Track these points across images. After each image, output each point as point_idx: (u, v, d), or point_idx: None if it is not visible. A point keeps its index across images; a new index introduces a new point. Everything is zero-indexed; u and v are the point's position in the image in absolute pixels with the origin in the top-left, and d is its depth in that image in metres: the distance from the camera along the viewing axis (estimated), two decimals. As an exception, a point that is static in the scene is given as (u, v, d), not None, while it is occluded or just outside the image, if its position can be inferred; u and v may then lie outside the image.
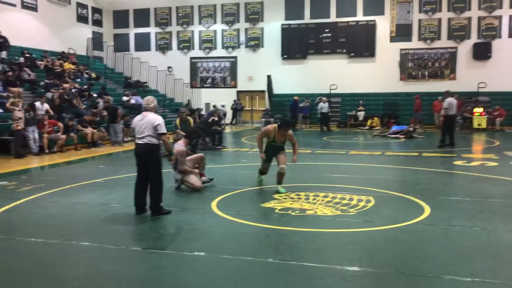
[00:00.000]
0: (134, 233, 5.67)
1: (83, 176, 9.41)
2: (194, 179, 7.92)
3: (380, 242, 5.13)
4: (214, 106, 23.76)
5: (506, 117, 21.39)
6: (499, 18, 22.85)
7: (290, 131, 7.82)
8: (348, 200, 7.07)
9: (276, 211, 6.49)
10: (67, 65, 20.17)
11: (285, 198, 7.19)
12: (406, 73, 24.25)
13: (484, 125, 20.83)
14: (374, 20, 24.28)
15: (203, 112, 22.11)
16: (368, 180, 9.02)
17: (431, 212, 6.30)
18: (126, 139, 16.59)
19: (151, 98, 6.60)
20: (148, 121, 6.27)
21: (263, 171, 8.18)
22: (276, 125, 7.86)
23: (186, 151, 8.07)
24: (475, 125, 20.93)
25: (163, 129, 6.32)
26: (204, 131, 13.95)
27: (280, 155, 7.75)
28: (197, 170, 8.20)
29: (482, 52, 22.97)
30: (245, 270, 4.35)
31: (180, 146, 8.02)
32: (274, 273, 4.25)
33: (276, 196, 7.35)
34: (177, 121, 13.02)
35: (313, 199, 7.14)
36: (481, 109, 21.17)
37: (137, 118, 6.48)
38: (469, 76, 22.84)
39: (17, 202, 7.05)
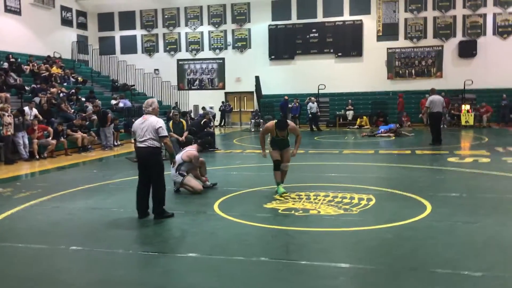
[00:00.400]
0: (140, 237, 5.62)
1: (78, 182, 9.31)
2: (194, 182, 7.88)
3: (387, 240, 5.15)
4: (203, 108, 23.72)
5: (492, 113, 21.75)
6: (484, 16, 23.19)
7: (292, 124, 7.77)
8: (349, 199, 7.10)
9: (280, 211, 6.49)
10: (55, 70, 19.93)
11: (287, 199, 7.19)
12: (393, 72, 24.46)
13: (471, 122, 21.11)
14: (360, 20, 24.44)
15: (192, 115, 22.01)
16: (366, 178, 9.08)
17: (433, 209, 6.36)
18: (116, 143, 16.46)
19: (150, 100, 6.54)
20: (150, 124, 6.22)
21: (277, 162, 7.59)
22: (275, 121, 7.76)
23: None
24: (463, 122, 21.19)
25: (164, 132, 6.28)
26: (196, 134, 13.96)
27: (284, 152, 7.63)
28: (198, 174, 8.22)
29: (467, 50, 23.28)
30: (257, 271, 4.33)
31: (193, 150, 8.05)
32: (286, 274, 4.23)
33: (277, 196, 7.34)
34: (170, 124, 12.94)
35: (314, 199, 7.15)
36: (468, 106, 21.44)
37: (138, 121, 6.43)
38: (455, 74, 23.12)
39: (16, 209, 6.94)
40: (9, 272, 4.44)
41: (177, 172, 7.80)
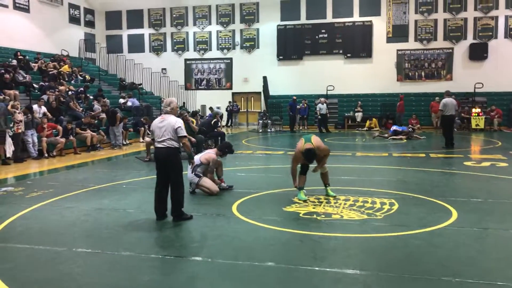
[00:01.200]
0: (160, 240, 5.44)
1: (90, 181, 9.15)
2: (210, 183, 7.72)
3: (418, 247, 4.96)
4: (210, 108, 23.57)
5: (503, 117, 21.52)
6: (495, 18, 22.96)
7: (321, 146, 7.26)
8: (370, 203, 6.92)
9: (301, 215, 6.31)
10: (66, 68, 19.81)
11: (306, 202, 7.01)
12: (403, 74, 24.25)
13: (482, 126, 20.89)
14: (370, 21, 24.25)
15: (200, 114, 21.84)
16: (384, 182, 8.90)
17: (459, 215, 6.17)
18: (125, 142, 16.31)
19: (168, 100, 6.38)
20: (168, 124, 6.06)
21: (305, 165, 7.36)
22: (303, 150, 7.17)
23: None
24: (473, 125, 20.98)
25: (183, 132, 6.11)
26: (207, 133, 13.81)
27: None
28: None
29: (478, 53, 23.05)
30: (289, 278, 4.14)
31: (213, 154, 7.94)
32: (320, 282, 4.06)
33: (295, 199, 7.16)
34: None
35: (335, 203, 6.98)
36: (478, 110, 21.22)
37: (156, 121, 6.26)
38: (465, 77, 22.90)
39: (30, 209, 6.78)
40: (29, 275, 4.27)
41: (193, 173, 7.64)
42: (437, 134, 18.81)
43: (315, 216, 6.27)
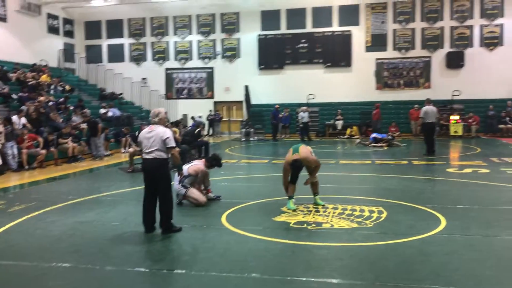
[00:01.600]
0: (150, 253, 5.34)
1: (74, 193, 8.97)
2: (197, 194, 7.64)
3: (410, 255, 4.99)
4: (192, 118, 23.46)
5: (480, 124, 21.94)
6: (471, 28, 23.46)
7: (308, 157, 7.23)
8: (359, 211, 6.94)
9: (291, 225, 6.29)
10: (44, 78, 19.50)
11: (295, 211, 7.00)
12: (382, 82, 24.55)
13: (460, 132, 21.24)
14: (349, 30, 24.52)
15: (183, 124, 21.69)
16: (370, 190, 8.97)
17: (448, 222, 6.23)
18: (106, 153, 16.09)
19: (156, 110, 6.30)
20: (157, 134, 5.98)
21: (290, 190, 7.33)
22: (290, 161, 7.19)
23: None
24: (452, 132, 21.32)
25: (172, 143, 6.05)
26: (191, 143, 13.72)
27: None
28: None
29: (455, 61, 23.49)
30: (284, 290, 4.12)
31: (201, 165, 7.83)
32: (316, 293, 4.04)
33: (284, 209, 7.14)
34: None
35: (324, 212, 6.99)
36: (457, 117, 21.60)
37: (144, 131, 6.18)
38: (443, 85, 23.29)
39: (13, 223, 6.61)
40: (17, 294, 4.15)
41: (181, 184, 7.56)
42: (417, 141, 19.08)
43: (305, 225, 6.25)
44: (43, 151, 13.18)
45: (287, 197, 7.31)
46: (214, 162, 8.16)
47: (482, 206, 7.23)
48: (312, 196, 7.48)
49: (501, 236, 5.58)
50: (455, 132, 21.32)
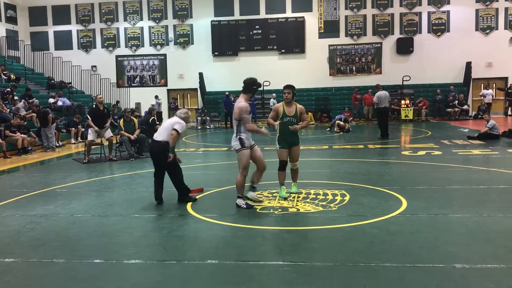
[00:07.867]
0: (119, 245, 5.19)
1: (28, 186, 8.63)
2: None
3: (377, 235, 5.11)
4: (152, 104, 22.99)
5: (429, 108, 22.76)
6: (419, 14, 24.19)
7: (301, 107, 7.17)
8: (323, 195, 7.06)
9: (258, 211, 6.31)
10: (-13, 66, 18.50)
11: (260, 197, 7.01)
12: (335, 69, 24.95)
13: (411, 116, 21.96)
14: (303, 17, 24.70)
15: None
16: (331, 174, 9.13)
17: (409, 203, 6.43)
18: (58, 144, 15.53)
19: (183, 111, 7.10)
20: (169, 123, 6.90)
21: (283, 162, 7.16)
22: (282, 102, 7.08)
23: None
24: (403, 116, 22.00)
25: (176, 126, 6.69)
26: (148, 132, 13.44)
27: (293, 150, 7.22)
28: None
29: (405, 47, 24.20)
30: (262, 275, 4.10)
31: (242, 102, 6.46)
32: (293, 277, 4.06)
33: (248, 195, 7.12)
34: (121, 122, 12.40)
35: (288, 196, 7.04)
36: (407, 101, 22.29)
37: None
38: (393, 70, 23.96)
39: (-33, 220, 6.27)
40: (-20, 292, 3.95)
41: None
42: (369, 126, 19.56)
43: (272, 210, 6.29)
44: (-9, 143, 12.57)
45: (249, 184, 7.21)
46: (254, 87, 6.58)
47: (439, 186, 7.52)
48: (279, 184, 7.32)
49: (459, 214, 5.82)
50: (406, 116, 22.02)
